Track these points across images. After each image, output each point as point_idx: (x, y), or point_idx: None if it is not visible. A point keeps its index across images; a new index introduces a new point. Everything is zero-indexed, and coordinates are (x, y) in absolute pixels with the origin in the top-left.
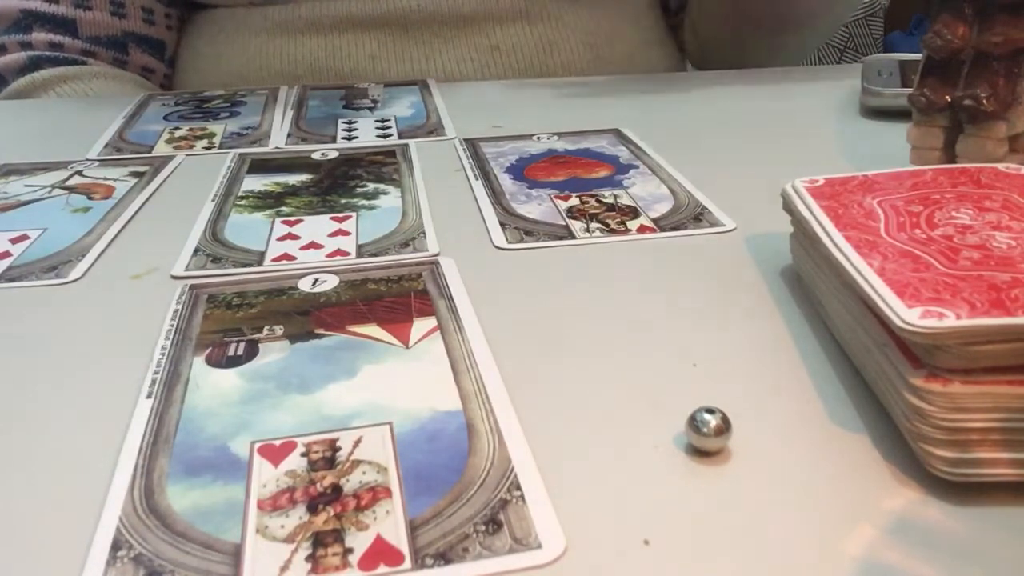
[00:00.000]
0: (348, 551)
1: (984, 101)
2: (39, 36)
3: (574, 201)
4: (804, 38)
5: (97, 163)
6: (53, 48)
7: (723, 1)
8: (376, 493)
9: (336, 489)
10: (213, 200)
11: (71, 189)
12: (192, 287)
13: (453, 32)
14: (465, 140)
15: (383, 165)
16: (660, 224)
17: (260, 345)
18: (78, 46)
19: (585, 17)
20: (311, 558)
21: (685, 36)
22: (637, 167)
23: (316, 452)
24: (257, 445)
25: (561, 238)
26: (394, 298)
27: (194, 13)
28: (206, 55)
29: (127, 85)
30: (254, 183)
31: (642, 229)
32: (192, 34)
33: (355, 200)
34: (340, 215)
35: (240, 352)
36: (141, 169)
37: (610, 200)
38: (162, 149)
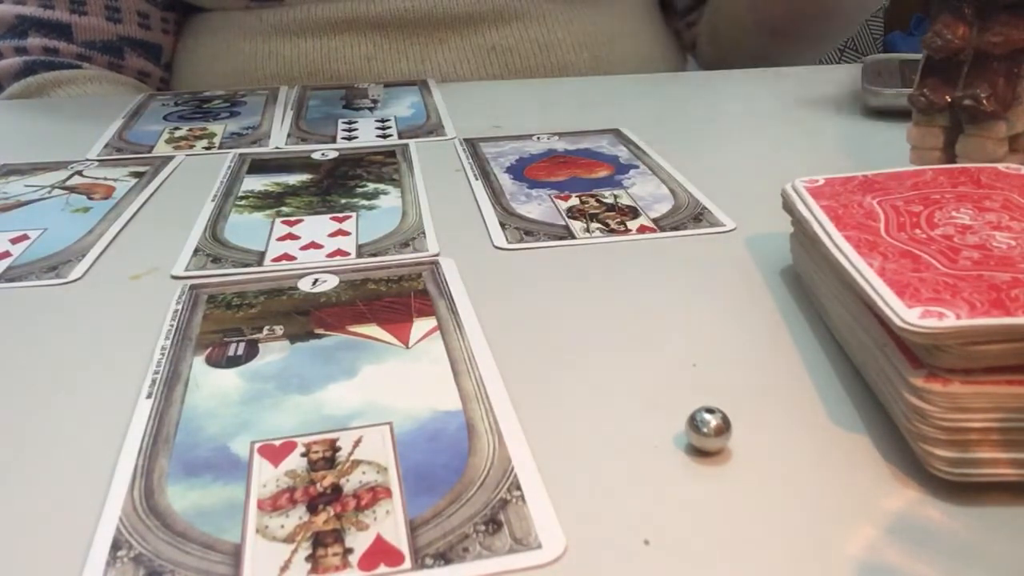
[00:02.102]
0: (348, 551)
1: (984, 101)
2: (34, 41)
3: (574, 201)
4: (821, 46)
5: (97, 163)
6: (48, 53)
7: (752, 16)
8: (376, 493)
9: (336, 489)
10: (213, 200)
11: (71, 189)
12: (192, 287)
13: (448, 33)
14: (465, 140)
15: (383, 165)
16: (660, 224)
17: (260, 345)
18: (73, 51)
19: (581, 18)
20: (311, 558)
21: (699, 43)
22: (637, 167)
23: (316, 452)
24: (257, 445)
25: (561, 238)
26: (394, 298)
27: (190, 16)
28: (202, 57)
29: (123, 88)
30: (254, 183)
31: (642, 229)
32: (188, 37)
33: (355, 200)
34: (340, 215)
35: (240, 352)
36: (141, 169)
37: (610, 200)
38: (162, 149)
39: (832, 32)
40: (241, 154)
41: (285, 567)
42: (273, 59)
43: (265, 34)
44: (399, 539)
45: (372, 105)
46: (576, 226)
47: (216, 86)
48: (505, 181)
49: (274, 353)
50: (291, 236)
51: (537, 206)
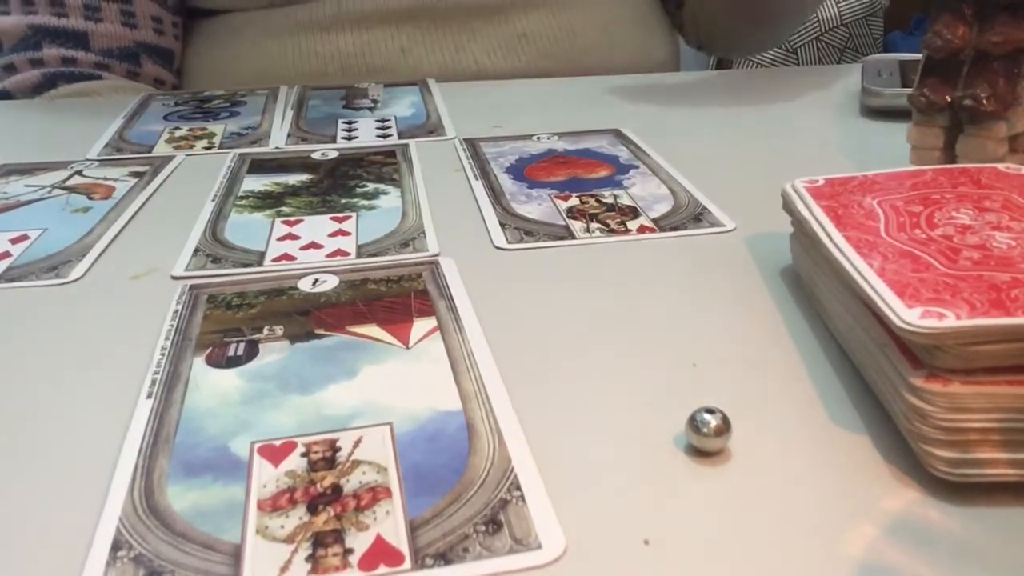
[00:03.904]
0: (348, 551)
1: (984, 101)
2: (50, 52)
3: (574, 201)
4: (785, 31)
5: (97, 163)
6: (67, 64)
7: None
8: (376, 493)
9: (336, 489)
10: (213, 200)
11: (71, 189)
12: (192, 287)
13: (481, 22)
14: (465, 140)
15: (383, 165)
16: (660, 224)
17: (260, 345)
18: (92, 60)
19: (601, 3)
20: (311, 558)
21: (685, 27)
22: (637, 167)
23: (316, 452)
24: (257, 445)
25: (561, 238)
26: (394, 298)
27: (201, 20)
28: (221, 60)
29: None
30: (254, 183)
31: (642, 229)
32: (202, 41)
33: (355, 200)
34: (340, 215)
35: (240, 352)
36: (141, 169)
37: (610, 200)
38: (162, 149)
39: (788, 15)
40: (241, 154)
41: (285, 567)
42: (306, 56)
43: (295, 32)
44: (399, 539)
45: (372, 105)
46: (576, 226)
47: (243, 87)
48: (505, 181)
49: (274, 353)
50: (291, 236)
51: (537, 206)
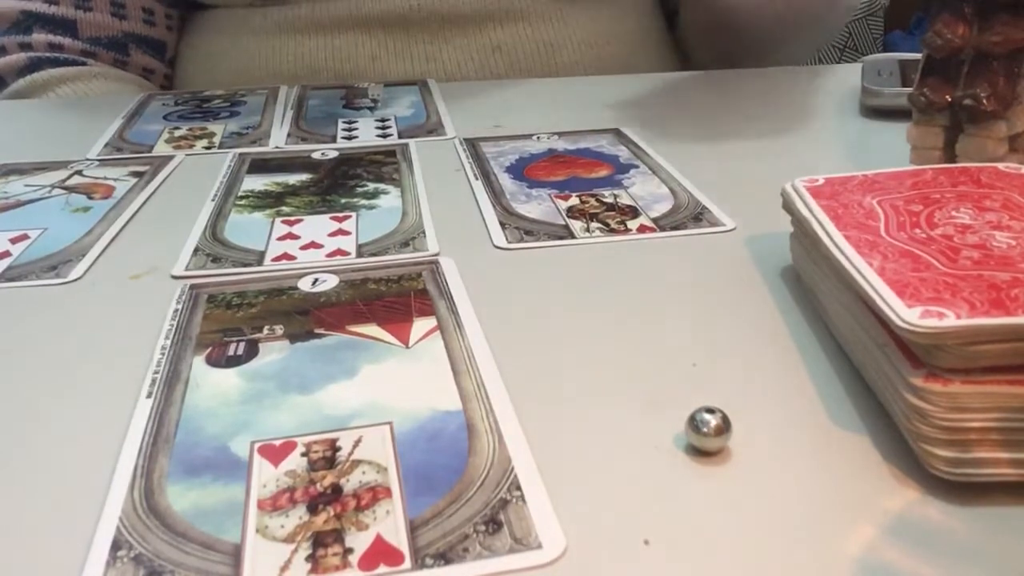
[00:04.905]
0: (348, 551)
1: (984, 101)
2: (39, 37)
3: (574, 201)
4: (792, 51)
5: (97, 163)
6: (53, 49)
7: (706, 21)
8: (376, 493)
9: (336, 489)
10: (213, 200)
11: (71, 189)
12: (192, 287)
13: (454, 32)
14: (465, 140)
15: (383, 165)
16: (660, 224)
17: (260, 345)
18: (78, 47)
19: (585, 17)
20: (311, 558)
21: (682, 46)
22: (637, 167)
23: (316, 452)
24: (257, 445)
25: (561, 238)
26: (394, 298)
27: (194, 13)
28: (206, 55)
29: (127, 86)
30: (254, 183)
31: (642, 229)
32: (192, 34)
33: (355, 200)
34: (340, 215)
35: (240, 352)
36: (141, 169)
37: (610, 200)
38: (162, 149)
39: (795, 39)
40: (241, 154)
41: (285, 567)
42: (277, 57)
43: (270, 32)
44: (399, 539)
45: (372, 105)
46: (576, 226)
47: (221, 84)
48: (505, 181)
49: (274, 353)
50: (291, 236)
51: (537, 206)
